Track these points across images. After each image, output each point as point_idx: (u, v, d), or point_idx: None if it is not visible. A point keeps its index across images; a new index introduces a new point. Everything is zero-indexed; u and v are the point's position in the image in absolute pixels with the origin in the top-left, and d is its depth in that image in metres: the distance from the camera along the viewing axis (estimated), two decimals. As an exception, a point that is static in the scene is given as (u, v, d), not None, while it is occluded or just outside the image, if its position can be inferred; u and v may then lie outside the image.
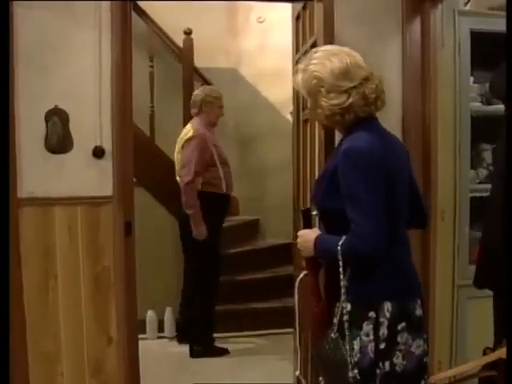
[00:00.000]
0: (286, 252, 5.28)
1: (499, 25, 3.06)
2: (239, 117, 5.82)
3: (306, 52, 2.76)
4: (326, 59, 2.02)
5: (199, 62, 5.11)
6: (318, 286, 2.15)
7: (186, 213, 4.09)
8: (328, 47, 2.10)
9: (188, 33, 4.85)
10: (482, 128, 3.23)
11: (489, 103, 3.32)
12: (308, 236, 2.11)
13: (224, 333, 4.54)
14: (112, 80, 2.84)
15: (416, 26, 3.02)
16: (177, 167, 4.28)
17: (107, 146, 2.86)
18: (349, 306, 1.98)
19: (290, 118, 5.29)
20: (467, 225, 3.18)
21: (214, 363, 4.15)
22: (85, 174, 2.85)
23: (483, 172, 3.35)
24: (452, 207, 3.15)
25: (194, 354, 4.26)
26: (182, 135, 4.25)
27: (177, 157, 4.27)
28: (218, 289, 4.35)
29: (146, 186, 4.31)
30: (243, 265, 5.01)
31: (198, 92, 4.36)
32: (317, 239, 2.06)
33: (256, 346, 4.54)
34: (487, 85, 3.31)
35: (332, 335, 2.03)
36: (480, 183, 3.29)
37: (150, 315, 4.53)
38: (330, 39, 2.32)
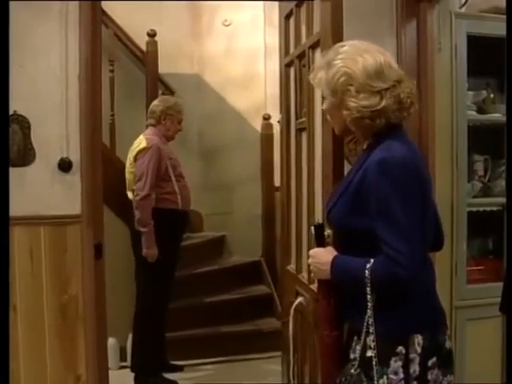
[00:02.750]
0: (255, 270, 5.05)
1: (493, 28, 2.94)
2: (203, 126, 5.55)
3: (302, 52, 2.49)
4: (358, 55, 1.77)
5: (160, 67, 4.78)
6: (331, 314, 1.90)
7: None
8: (356, 42, 1.84)
9: (152, 35, 4.52)
10: (474, 138, 3.05)
11: (483, 112, 3.15)
12: (323, 257, 1.85)
13: (192, 360, 4.23)
14: (80, 82, 2.55)
15: (412, 28, 2.80)
16: (127, 181, 3.96)
17: (75, 157, 2.58)
18: (373, 340, 1.74)
19: (269, 126, 5.04)
20: (465, 242, 2.99)
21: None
22: (49, 190, 2.57)
23: (478, 185, 3.17)
24: (449, 223, 2.95)
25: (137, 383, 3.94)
26: (133, 146, 3.93)
27: (128, 170, 3.95)
28: (166, 312, 4.04)
29: (106, 202, 3.94)
30: (210, 285, 4.72)
31: (159, 102, 4.02)
32: (335, 261, 1.81)
33: (227, 373, 4.19)
34: (483, 92, 3.18)
35: (352, 371, 1.79)
36: (474, 197, 3.11)
37: (112, 343, 4.11)
38: (339, 38, 2.06)
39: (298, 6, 2.54)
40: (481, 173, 3.24)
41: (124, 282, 4.08)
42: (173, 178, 3.89)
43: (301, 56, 2.54)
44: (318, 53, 2.28)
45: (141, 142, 3.88)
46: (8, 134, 1.83)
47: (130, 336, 4.17)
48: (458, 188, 2.96)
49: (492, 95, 3.20)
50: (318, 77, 1.83)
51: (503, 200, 3.00)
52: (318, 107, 2.25)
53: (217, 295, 4.70)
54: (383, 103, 1.74)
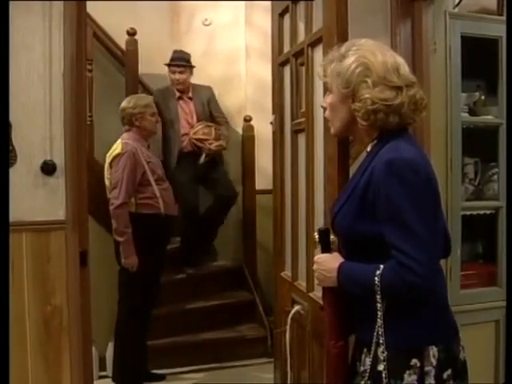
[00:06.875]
0: (236, 276, 4.93)
1: (485, 29, 2.90)
2: (183, 129, 5.36)
3: (300, 51, 2.40)
4: (377, 50, 1.72)
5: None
6: (337, 323, 1.82)
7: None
8: (371, 41, 1.77)
9: (132, 33, 4.37)
10: (464, 140, 3.00)
11: (474, 114, 3.10)
12: (329, 263, 1.77)
13: (173, 368, 4.10)
14: (65, 80, 2.42)
15: (407, 27, 2.74)
16: (107, 188, 3.82)
17: (58, 160, 2.46)
18: (385, 352, 1.65)
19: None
20: (459, 246, 2.93)
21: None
22: (31, 194, 2.44)
23: (469, 188, 3.12)
24: (444, 227, 2.89)
25: None
26: (110, 151, 3.80)
27: (106, 176, 3.82)
28: (149, 322, 3.92)
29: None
30: (190, 291, 4.60)
31: (125, 106, 3.86)
32: (342, 267, 1.73)
33: (210, 381, 4.08)
34: (475, 94, 3.13)
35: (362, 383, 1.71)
36: (467, 200, 3.05)
37: (90, 352, 3.97)
38: (344, 36, 1.97)
39: (295, 2, 2.44)
40: (471, 176, 3.19)
41: (102, 289, 3.93)
42: (152, 182, 3.76)
43: (298, 54, 2.44)
44: (318, 50, 2.18)
45: (116, 148, 3.75)
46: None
47: (110, 345, 4.03)
48: (453, 191, 2.91)
49: (483, 97, 3.16)
50: (329, 69, 1.75)
51: (495, 203, 2.97)
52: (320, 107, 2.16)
53: (197, 301, 4.58)
54: (399, 99, 1.67)
